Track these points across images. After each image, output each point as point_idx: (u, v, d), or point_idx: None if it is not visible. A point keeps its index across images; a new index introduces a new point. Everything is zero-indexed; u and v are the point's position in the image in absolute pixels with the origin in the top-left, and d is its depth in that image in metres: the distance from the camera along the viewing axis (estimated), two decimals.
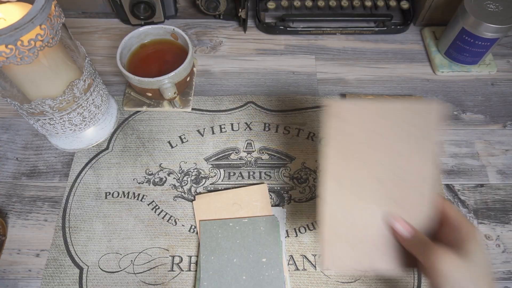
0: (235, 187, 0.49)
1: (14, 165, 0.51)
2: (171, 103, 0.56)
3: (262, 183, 0.49)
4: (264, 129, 0.54)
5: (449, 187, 0.50)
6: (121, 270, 0.44)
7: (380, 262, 0.33)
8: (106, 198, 0.49)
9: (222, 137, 0.54)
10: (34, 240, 0.46)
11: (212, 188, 0.49)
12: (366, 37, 0.65)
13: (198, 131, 0.54)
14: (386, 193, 0.33)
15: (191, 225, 0.47)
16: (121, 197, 0.49)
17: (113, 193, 0.49)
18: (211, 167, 0.51)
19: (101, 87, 0.50)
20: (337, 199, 0.33)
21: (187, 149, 0.53)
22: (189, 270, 0.44)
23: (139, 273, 0.44)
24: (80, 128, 0.49)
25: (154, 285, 0.43)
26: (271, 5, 0.65)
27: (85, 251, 0.45)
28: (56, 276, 0.44)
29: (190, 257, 0.45)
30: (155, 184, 0.50)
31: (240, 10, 0.62)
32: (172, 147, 0.53)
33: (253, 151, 0.52)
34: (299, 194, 0.49)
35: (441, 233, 0.32)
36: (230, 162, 0.51)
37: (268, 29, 0.64)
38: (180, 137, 0.54)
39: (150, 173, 0.51)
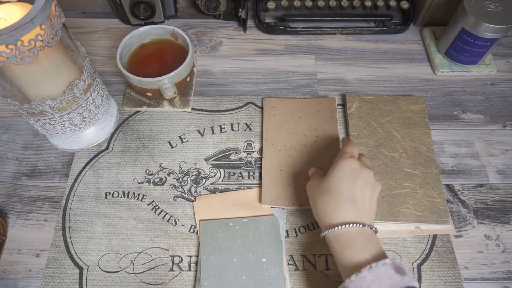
0: (235, 188, 0.49)
1: (14, 165, 0.51)
2: (171, 103, 0.56)
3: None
4: None
5: (449, 187, 0.50)
6: (121, 270, 0.44)
7: (303, 200, 0.47)
8: (106, 198, 0.49)
9: (222, 137, 0.54)
10: (34, 240, 0.46)
11: (212, 188, 0.49)
12: (366, 37, 0.65)
13: (198, 131, 0.54)
14: (308, 152, 0.50)
15: (191, 225, 0.47)
16: (121, 197, 0.49)
17: (113, 193, 0.49)
18: (211, 167, 0.51)
19: (101, 87, 0.50)
20: (272, 156, 0.50)
21: (187, 149, 0.53)
22: (189, 270, 0.44)
23: (139, 273, 0.44)
24: (80, 128, 0.49)
25: (154, 285, 0.43)
26: (271, 5, 0.65)
27: (85, 251, 0.45)
28: (56, 276, 0.44)
29: (190, 257, 0.45)
30: (155, 184, 0.50)
31: (240, 10, 0.62)
32: (172, 147, 0.53)
33: (253, 151, 0.52)
34: None
35: None
36: (230, 162, 0.51)
37: (268, 29, 0.64)
38: (180, 137, 0.54)
39: (150, 173, 0.51)
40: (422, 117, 0.53)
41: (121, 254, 0.45)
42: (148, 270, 0.44)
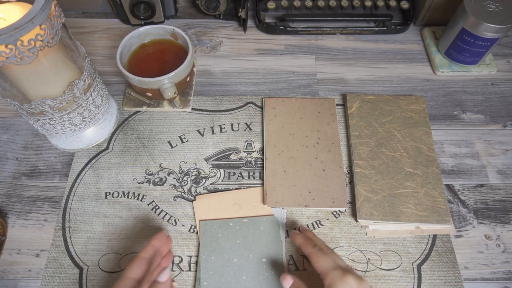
0: (236, 188, 0.49)
1: (14, 165, 0.51)
2: (171, 103, 0.56)
3: (262, 184, 0.49)
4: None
5: (449, 187, 0.50)
6: (121, 270, 0.44)
7: (308, 201, 0.47)
8: (106, 198, 0.49)
9: (222, 137, 0.54)
10: (34, 240, 0.46)
11: (212, 188, 0.49)
12: (366, 37, 0.65)
13: (198, 131, 0.54)
14: (311, 153, 0.50)
15: (191, 225, 0.47)
16: (121, 197, 0.49)
17: (113, 193, 0.49)
18: (211, 167, 0.51)
19: (101, 87, 0.50)
20: (275, 157, 0.50)
21: (187, 149, 0.53)
22: (189, 270, 0.44)
23: None
24: (80, 128, 0.49)
25: None
26: (271, 5, 0.65)
27: (85, 251, 0.45)
28: (56, 276, 0.44)
29: (190, 257, 0.45)
30: (155, 184, 0.50)
31: (240, 10, 0.62)
32: (172, 147, 0.53)
33: (253, 151, 0.52)
34: None
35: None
36: (230, 162, 0.51)
37: (268, 29, 0.64)
38: (180, 137, 0.54)
39: (150, 173, 0.51)
40: (423, 116, 0.53)
41: (121, 254, 0.45)
42: None
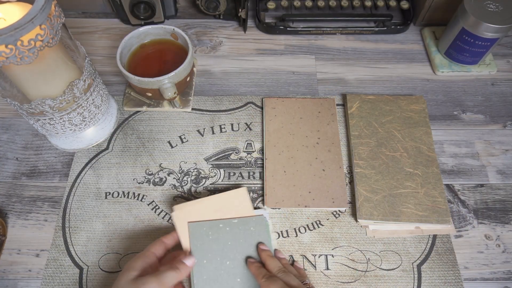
0: (220, 190, 0.49)
1: (14, 165, 0.51)
2: (171, 103, 0.56)
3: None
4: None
5: (449, 187, 0.50)
6: (121, 270, 0.44)
7: (308, 201, 0.47)
8: (106, 198, 0.49)
9: (222, 137, 0.54)
10: (34, 240, 0.46)
11: (212, 188, 0.49)
12: (366, 37, 0.65)
13: (198, 131, 0.54)
14: (311, 154, 0.50)
15: None
16: (121, 197, 0.49)
17: (113, 193, 0.49)
18: (211, 167, 0.51)
19: (101, 87, 0.50)
20: (275, 157, 0.50)
21: (187, 149, 0.52)
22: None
23: None
24: (80, 128, 0.49)
25: None
26: (271, 5, 0.65)
27: (85, 251, 0.45)
28: (56, 276, 0.44)
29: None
30: (155, 184, 0.50)
31: (240, 10, 0.62)
32: (172, 147, 0.53)
33: (253, 151, 0.52)
34: None
35: None
36: (230, 162, 0.51)
37: (268, 29, 0.64)
38: (180, 137, 0.54)
39: (150, 173, 0.51)
40: (423, 116, 0.53)
41: (121, 254, 0.45)
42: None
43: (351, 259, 0.45)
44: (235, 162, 0.51)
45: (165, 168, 0.51)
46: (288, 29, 0.64)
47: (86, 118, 0.48)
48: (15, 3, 0.39)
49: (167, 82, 0.50)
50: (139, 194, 0.49)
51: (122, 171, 0.51)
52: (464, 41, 0.56)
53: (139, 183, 0.50)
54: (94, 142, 0.52)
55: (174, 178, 0.50)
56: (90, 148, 0.52)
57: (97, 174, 0.50)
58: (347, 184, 0.49)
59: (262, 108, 0.56)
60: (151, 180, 0.50)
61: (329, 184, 0.48)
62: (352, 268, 0.44)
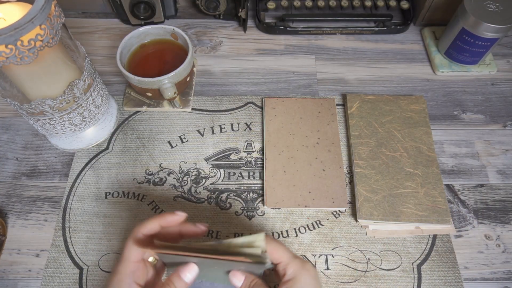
0: (235, 187, 0.49)
1: (14, 165, 0.51)
2: (171, 103, 0.56)
3: (262, 184, 0.49)
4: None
5: (449, 187, 0.50)
6: None
7: (308, 201, 0.47)
8: (106, 198, 0.49)
9: (222, 137, 0.54)
10: (34, 240, 0.46)
11: (212, 188, 0.49)
12: (366, 37, 0.65)
13: (198, 131, 0.54)
14: (311, 153, 0.50)
15: None
16: (121, 197, 0.49)
17: (113, 193, 0.49)
18: (211, 167, 0.51)
19: (101, 87, 0.50)
20: (275, 157, 0.50)
21: (187, 149, 0.53)
22: None
23: None
24: (80, 128, 0.49)
25: None
26: (271, 5, 0.65)
27: (85, 251, 0.45)
28: (56, 276, 0.44)
29: None
30: (155, 184, 0.50)
31: (240, 10, 0.62)
32: (172, 147, 0.53)
33: (253, 151, 0.52)
34: None
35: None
36: (230, 162, 0.51)
37: (268, 29, 0.64)
38: (180, 137, 0.54)
39: (150, 173, 0.51)
40: (423, 116, 0.53)
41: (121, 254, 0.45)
42: None
43: (351, 259, 0.45)
44: (235, 162, 0.51)
45: (165, 168, 0.51)
46: (288, 29, 0.64)
47: (86, 118, 0.48)
48: (15, 3, 0.39)
49: (167, 82, 0.50)
50: (139, 194, 0.49)
51: (122, 171, 0.51)
52: (464, 41, 0.56)
53: (139, 183, 0.50)
54: (94, 142, 0.52)
55: (174, 178, 0.50)
56: (90, 148, 0.52)
57: (97, 174, 0.50)
58: (347, 184, 0.49)
59: (262, 108, 0.56)
60: (151, 180, 0.50)
61: (329, 184, 0.48)
62: (352, 268, 0.44)
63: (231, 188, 0.49)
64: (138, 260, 0.31)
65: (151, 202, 0.48)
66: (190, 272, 0.31)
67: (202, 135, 0.54)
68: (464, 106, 0.57)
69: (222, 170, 0.51)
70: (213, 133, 0.54)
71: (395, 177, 0.48)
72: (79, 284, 0.43)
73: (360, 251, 0.45)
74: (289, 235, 0.46)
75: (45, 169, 0.51)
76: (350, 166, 0.51)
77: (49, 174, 0.51)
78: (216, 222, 0.47)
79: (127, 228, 0.46)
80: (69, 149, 0.52)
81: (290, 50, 0.63)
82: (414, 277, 0.44)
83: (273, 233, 0.46)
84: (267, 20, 0.66)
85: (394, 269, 0.44)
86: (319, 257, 0.45)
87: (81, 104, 0.46)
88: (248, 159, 0.52)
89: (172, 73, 0.49)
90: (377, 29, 0.64)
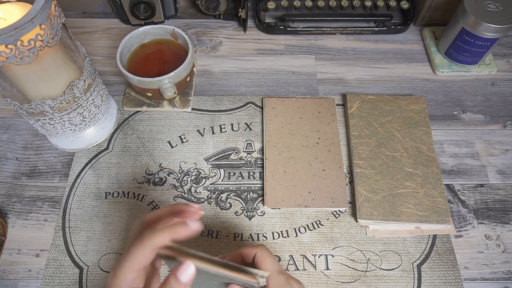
0: (235, 188, 0.49)
1: (14, 165, 0.51)
2: (171, 103, 0.56)
3: (262, 184, 0.49)
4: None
5: (449, 187, 0.50)
6: None
7: (308, 201, 0.47)
8: (106, 198, 0.49)
9: (222, 137, 0.54)
10: (34, 240, 0.46)
11: (212, 188, 0.49)
12: (366, 37, 0.65)
13: (198, 131, 0.54)
14: (311, 153, 0.50)
15: None
16: (121, 197, 0.49)
17: (113, 193, 0.49)
18: (211, 167, 0.51)
19: (101, 87, 0.50)
20: (275, 157, 0.50)
21: (187, 149, 0.53)
22: None
23: None
24: (80, 128, 0.49)
25: None
26: (271, 5, 0.65)
27: (85, 251, 0.45)
28: (56, 276, 0.44)
29: None
30: (155, 184, 0.50)
31: (240, 10, 0.62)
32: (172, 147, 0.53)
33: (253, 151, 0.52)
34: None
35: None
36: (230, 162, 0.51)
37: (268, 29, 0.64)
38: (180, 137, 0.54)
39: (150, 173, 0.51)
40: (423, 116, 0.53)
41: (121, 254, 0.45)
42: None
43: (351, 259, 0.45)
44: (235, 162, 0.51)
45: (165, 168, 0.51)
46: (288, 29, 0.64)
47: (86, 118, 0.48)
48: (15, 3, 0.39)
49: (167, 82, 0.50)
50: (139, 194, 0.49)
51: (122, 171, 0.51)
52: (464, 41, 0.56)
53: (139, 183, 0.50)
54: (94, 142, 0.52)
55: (174, 178, 0.50)
56: (90, 148, 0.52)
57: (97, 174, 0.50)
58: (347, 184, 0.49)
59: (262, 108, 0.56)
60: (151, 180, 0.50)
61: (329, 184, 0.48)
62: (352, 268, 0.44)
63: (231, 188, 0.49)
64: (141, 268, 0.30)
65: (151, 202, 0.48)
66: (186, 273, 0.29)
67: (202, 135, 0.54)
68: (464, 106, 0.57)
69: (222, 170, 0.51)
70: (213, 133, 0.54)
71: (395, 177, 0.48)
72: (79, 284, 0.43)
73: (360, 251, 0.45)
74: (289, 235, 0.46)
75: (45, 169, 0.51)
76: (350, 166, 0.51)
77: (49, 174, 0.51)
78: (216, 222, 0.47)
79: (127, 228, 0.46)
80: (69, 149, 0.52)
81: (290, 50, 0.63)
82: (414, 277, 0.44)
83: (273, 233, 0.46)
84: (267, 20, 0.66)
85: (394, 269, 0.44)
86: (319, 257, 0.45)
87: (81, 104, 0.46)
88: (248, 159, 0.52)
89: (172, 73, 0.49)
90: (377, 29, 0.64)
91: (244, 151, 0.52)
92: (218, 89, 0.59)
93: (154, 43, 0.55)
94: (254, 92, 0.58)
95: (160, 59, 0.55)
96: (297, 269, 0.44)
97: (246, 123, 0.55)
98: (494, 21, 0.52)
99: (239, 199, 0.49)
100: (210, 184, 0.50)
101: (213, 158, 0.52)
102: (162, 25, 0.55)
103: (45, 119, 0.45)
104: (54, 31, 0.37)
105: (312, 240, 0.46)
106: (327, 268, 0.44)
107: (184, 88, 0.56)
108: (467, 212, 0.48)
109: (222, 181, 0.50)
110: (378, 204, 0.46)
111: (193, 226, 0.30)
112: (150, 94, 0.52)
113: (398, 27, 0.64)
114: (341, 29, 0.64)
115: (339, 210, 0.48)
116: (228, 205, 0.48)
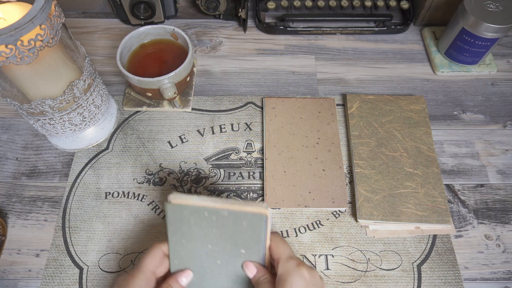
0: (235, 188, 0.49)
1: (14, 165, 0.51)
2: (171, 103, 0.56)
3: (262, 184, 0.49)
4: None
5: (449, 187, 0.50)
6: (121, 270, 0.44)
7: (308, 201, 0.47)
8: (106, 198, 0.49)
9: (222, 137, 0.54)
10: (34, 240, 0.46)
11: (212, 188, 0.49)
12: (366, 37, 0.65)
13: (198, 131, 0.54)
14: (311, 153, 0.50)
15: None
16: (121, 197, 0.49)
17: (113, 193, 0.49)
18: (211, 167, 0.51)
19: (101, 87, 0.50)
20: (275, 157, 0.50)
21: (187, 149, 0.53)
22: None
23: None
24: (80, 128, 0.49)
25: None
26: (271, 5, 0.65)
27: (85, 251, 0.45)
28: (56, 276, 0.44)
29: None
30: (155, 184, 0.50)
31: (240, 10, 0.62)
32: (172, 147, 0.53)
33: (253, 151, 0.52)
34: None
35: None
36: (230, 162, 0.51)
37: (268, 29, 0.64)
38: (180, 137, 0.54)
39: (150, 173, 0.51)
40: (423, 116, 0.53)
41: (121, 254, 0.45)
42: None
43: (351, 259, 0.45)
44: (235, 162, 0.51)
45: (165, 168, 0.51)
46: (288, 29, 0.64)
47: (86, 118, 0.48)
48: (15, 3, 0.39)
49: (167, 82, 0.50)
50: (139, 194, 0.49)
51: (122, 171, 0.51)
52: (464, 41, 0.56)
53: (139, 183, 0.50)
54: (94, 142, 0.52)
55: (174, 178, 0.50)
56: (90, 148, 0.52)
57: (97, 174, 0.50)
58: (347, 184, 0.49)
59: (262, 108, 0.56)
60: (151, 180, 0.50)
61: (329, 184, 0.48)
62: (352, 268, 0.44)
63: (231, 188, 0.49)
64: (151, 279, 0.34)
65: (151, 202, 0.48)
66: (186, 277, 0.35)
67: (202, 135, 0.54)
68: (464, 106, 0.57)
69: (222, 170, 0.51)
70: (213, 133, 0.54)
71: (395, 177, 0.48)
72: (79, 284, 0.43)
73: (360, 251, 0.45)
74: (289, 235, 0.46)
75: (45, 169, 0.51)
76: (350, 166, 0.51)
77: (49, 174, 0.51)
78: None
79: (127, 228, 0.46)
80: (69, 149, 0.52)
81: (290, 50, 0.63)
82: (414, 277, 0.44)
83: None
84: (267, 20, 0.66)
85: (394, 269, 0.44)
86: (319, 257, 0.45)
87: (81, 104, 0.46)
88: (248, 159, 0.52)
89: (172, 73, 0.49)
90: (377, 29, 0.64)
91: (244, 151, 0.52)
92: (218, 89, 0.59)
93: (154, 43, 0.55)
94: (254, 92, 0.58)
95: (160, 59, 0.55)
96: None
97: (246, 123, 0.55)
98: (494, 21, 0.52)
99: (239, 199, 0.49)
100: (210, 184, 0.50)
101: (213, 158, 0.52)
102: (162, 25, 0.55)
103: (45, 119, 0.45)
104: (54, 31, 0.37)
105: (312, 240, 0.46)
106: (327, 268, 0.44)
107: (184, 88, 0.56)
108: (467, 212, 0.48)
109: (222, 181, 0.50)
110: (378, 204, 0.46)
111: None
112: (150, 94, 0.52)
113: (398, 27, 0.64)
114: (341, 29, 0.64)
115: (339, 210, 0.48)
116: None
